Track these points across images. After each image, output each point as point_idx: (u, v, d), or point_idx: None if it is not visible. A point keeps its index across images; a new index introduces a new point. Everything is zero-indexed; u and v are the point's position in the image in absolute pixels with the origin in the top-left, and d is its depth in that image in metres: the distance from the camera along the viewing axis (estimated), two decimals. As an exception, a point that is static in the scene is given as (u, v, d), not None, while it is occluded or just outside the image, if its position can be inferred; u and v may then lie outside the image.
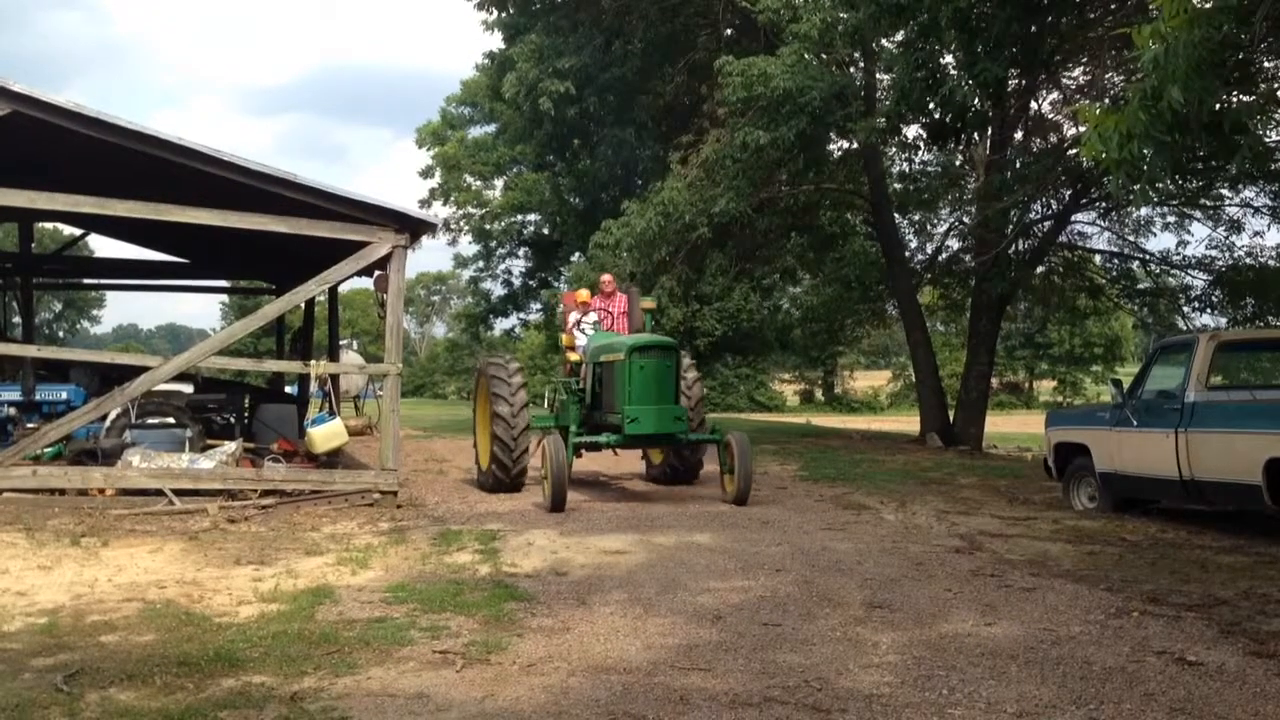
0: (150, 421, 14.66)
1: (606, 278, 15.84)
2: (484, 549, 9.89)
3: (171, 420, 14.78)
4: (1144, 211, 24.04)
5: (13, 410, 14.86)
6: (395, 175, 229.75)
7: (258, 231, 13.70)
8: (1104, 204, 23.37)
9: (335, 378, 18.06)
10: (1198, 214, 23.80)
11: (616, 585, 8.29)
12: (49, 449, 13.62)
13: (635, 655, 6.34)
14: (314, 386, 18.74)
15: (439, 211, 46.62)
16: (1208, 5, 7.54)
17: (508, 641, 6.59)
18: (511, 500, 13.44)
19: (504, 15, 27.39)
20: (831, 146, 24.45)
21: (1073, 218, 23.94)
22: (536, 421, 14.37)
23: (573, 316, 15.14)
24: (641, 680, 5.83)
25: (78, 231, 24.91)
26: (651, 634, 6.83)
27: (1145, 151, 7.78)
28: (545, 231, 43.96)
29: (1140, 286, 26.60)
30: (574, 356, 14.92)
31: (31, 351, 15.57)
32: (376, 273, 14.48)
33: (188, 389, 17.69)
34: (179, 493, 12.67)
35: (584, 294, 15.39)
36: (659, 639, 6.71)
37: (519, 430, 13.59)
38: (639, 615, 7.32)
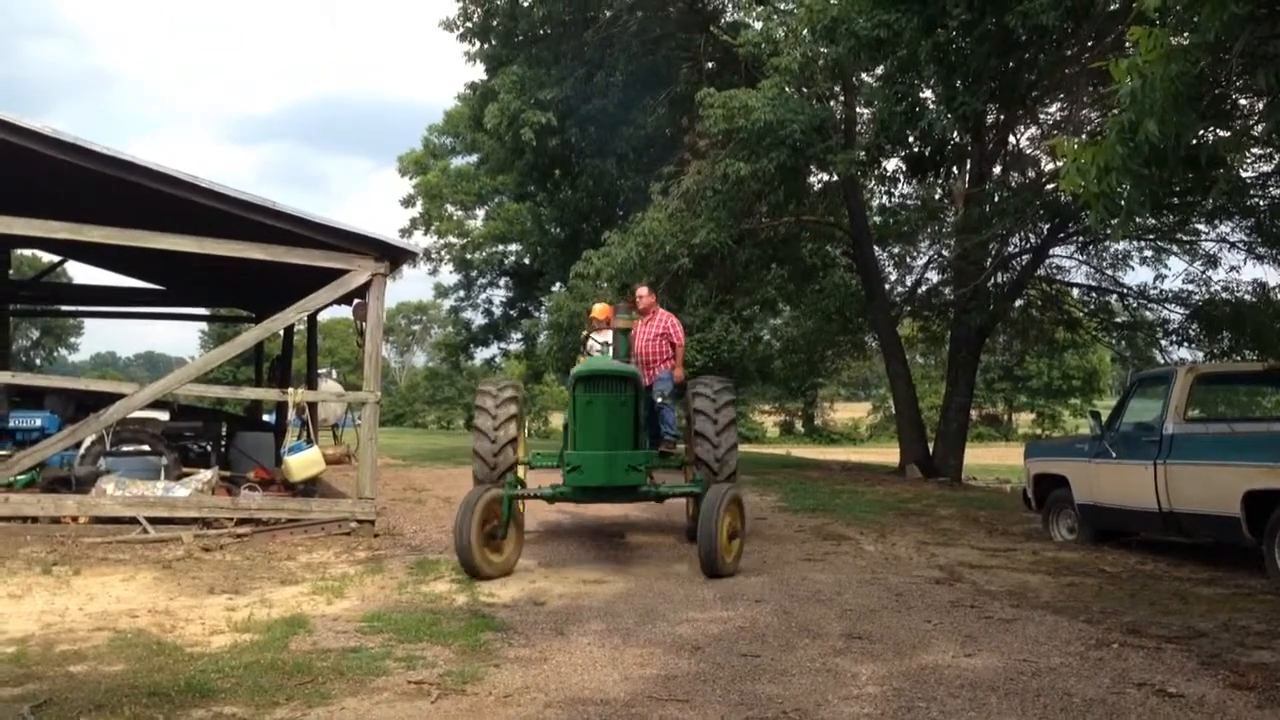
0: (125, 449, 14.52)
1: (642, 290, 13.20)
2: (461, 578, 9.80)
3: (147, 448, 14.65)
4: (1121, 245, 24.22)
5: (-14, 437, 14.70)
6: (376, 204, 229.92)
7: (237, 259, 13.63)
8: (1082, 238, 23.53)
9: (313, 406, 17.95)
10: (1174, 248, 23.97)
11: (595, 615, 8.22)
12: (22, 476, 13.45)
13: (613, 686, 6.28)
14: (292, 414, 18.61)
15: (420, 241, 46.57)
16: (1184, 41, 7.63)
17: (484, 672, 6.51)
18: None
19: (486, 47, 27.45)
20: (812, 179, 24.53)
21: (1051, 251, 24.07)
22: (538, 460, 12.54)
23: (593, 339, 12.90)
24: (619, 711, 5.77)
25: (55, 258, 24.75)
26: (629, 664, 6.76)
27: (1123, 185, 7.86)
28: (526, 261, 43.90)
29: (1118, 320, 26.74)
30: None
31: (5, 378, 15.40)
32: (356, 301, 14.42)
33: (164, 416, 17.56)
34: (153, 521, 12.54)
35: (600, 309, 13.00)
36: (637, 669, 6.64)
37: (500, 445, 11.39)
38: (617, 645, 7.26)
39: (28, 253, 35.25)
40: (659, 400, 11.97)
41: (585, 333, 13.24)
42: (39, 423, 15.02)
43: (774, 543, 12.41)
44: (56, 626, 7.78)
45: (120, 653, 6.94)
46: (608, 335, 12.47)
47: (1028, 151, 23.63)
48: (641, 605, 8.57)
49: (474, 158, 44.37)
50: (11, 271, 24.32)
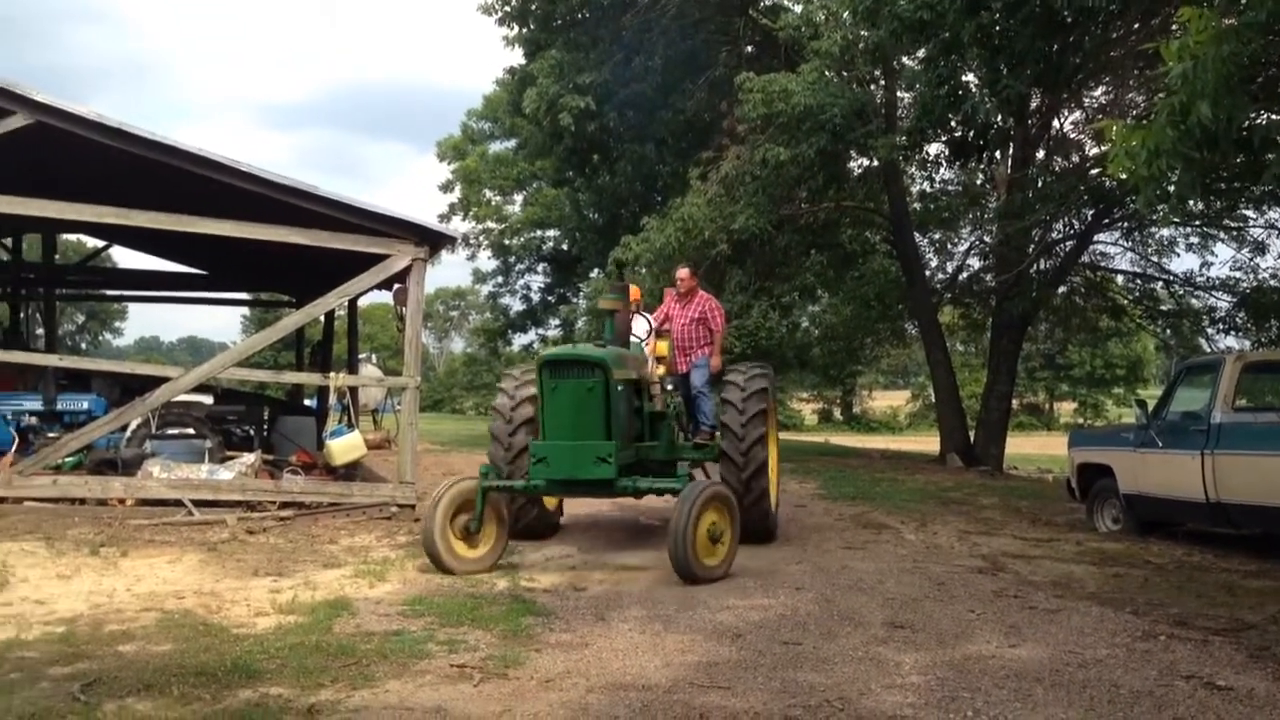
0: (170, 432, 14.68)
1: (683, 272, 12.40)
2: (503, 563, 9.83)
3: (191, 431, 14.80)
4: (1167, 232, 23.97)
5: (34, 420, 14.91)
6: (415, 190, 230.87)
7: (277, 244, 13.72)
8: (1127, 224, 23.27)
9: (354, 391, 18.06)
10: (1222, 235, 23.67)
11: (635, 601, 8.22)
12: (70, 459, 13.65)
13: (654, 672, 6.27)
14: (333, 399, 18.74)
15: (458, 226, 46.76)
16: (1235, 22, 7.48)
17: (525, 656, 6.53)
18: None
19: (525, 31, 27.44)
20: (852, 164, 24.43)
21: (1095, 238, 23.83)
22: None
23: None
24: (661, 698, 5.76)
25: (100, 243, 25.05)
26: (671, 651, 6.76)
27: (1173, 169, 7.72)
28: (564, 247, 43.97)
29: (1163, 307, 26.45)
30: None
31: (53, 361, 15.61)
32: (396, 286, 14.49)
33: (208, 400, 17.74)
34: (198, 503, 12.67)
35: (636, 290, 12.35)
36: (678, 656, 6.64)
37: (515, 426, 10.85)
38: (658, 632, 7.25)
39: (73, 238, 35.69)
40: (695, 389, 11.70)
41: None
42: (86, 405, 15.20)
43: (814, 530, 12.37)
44: (105, 607, 7.88)
45: (167, 633, 7.01)
46: (639, 324, 11.92)
47: (1072, 135, 23.41)
48: (682, 592, 8.56)
49: (512, 143, 44.50)
50: (57, 256, 24.60)
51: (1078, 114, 22.92)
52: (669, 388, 11.32)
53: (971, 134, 18.88)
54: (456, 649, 6.68)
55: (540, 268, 48.42)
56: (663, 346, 12.01)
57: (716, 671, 6.28)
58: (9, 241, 22.84)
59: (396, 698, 5.68)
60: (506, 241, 48.67)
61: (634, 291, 12.13)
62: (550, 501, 11.46)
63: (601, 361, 9.72)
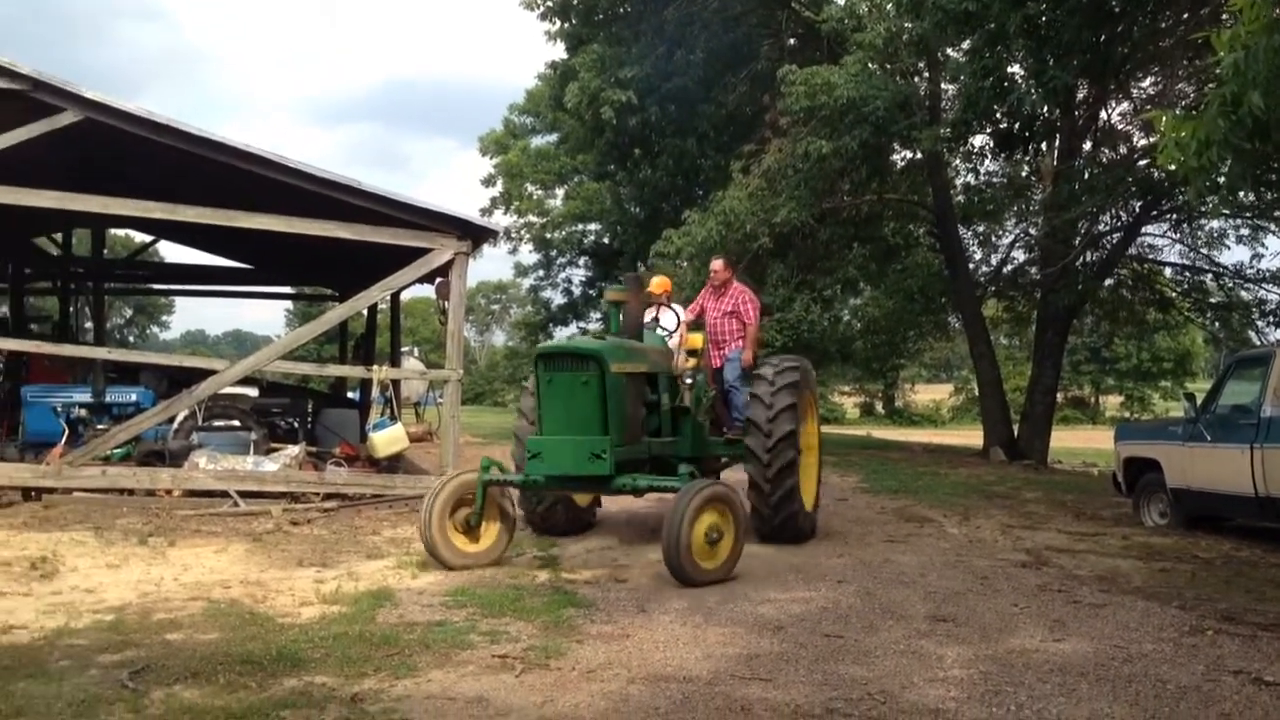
0: (216, 424, 14.86)
1: (717, 263, 12.12)
2: (543, 555, 9.88)
3: (237, 423, 14.97)
4: (1217, 224, 23.59)
5: (83, 411, 15.12)
6: (457, 184, 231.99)
7: (321, 238, 13.85)
8: (1176, 216, 22.94)
9: (397, 383, 18.19)
10: (1273, 226, 23.24)
11: (676, 593, 8.22)
12: (118, 450, 13.85)
13: (696, 664, 6.27)
14: (376, 392, 18.89)
15: (500, 220, 46.93)
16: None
17: (567, 647, 6.55)
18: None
19: (567, 26, 27.49)
20: (895, 157, 24.26)
21: (1143, 229, 23.51)
22: None
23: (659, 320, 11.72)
24: (702, 689, 5.76)
25: (148, 238, 25.41)
26: (712, 643, 6.76)
27: (1223, 159, 7.61)
28: (606, 240, 44.03)
29: (1212, 300, 26.03)
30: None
31: (102, 354, 15.83)
32: (438, 279, 14.57)
33: (253, 393, 17.90)
34: (243, 494, 12.83)
35: (659, 282, 12.03)
36: (719, 648, 6.63)
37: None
38: (699, 624, 7.25)
39: (121, 232, 36.14)
40: (727, 383, 11.46)
41: (652, 314, 11.66)
42: (134, 398, 15.38)
43: (856, 524, 12.32)
44: (153, 596, 8.00)
45: (214, 622, 7.11)
46: (668, 316, 11.60)
47: (1120, 127, 23.12)
48: (722, 585, 8.55)
49: (554, 137, 44.57)
50: (105, 251, 24.97)
51: (1125, 105, 22.67)
52: (689, 381, 10.88)
53: (1017, 126, 18.71)
54: (498, 639, 6.72)
55: (581, 261, 48.53)
56: (697, 339, 11.68)
57: (758, 664, 6.28)
58: (59, 236, 23.22)
59: (439, 687, 5.72)
60: (548, 235, 48.80)
61: (664, 283, 11.95)
62: (583, 499, 11.22)
63: (596, 354, 9.30)
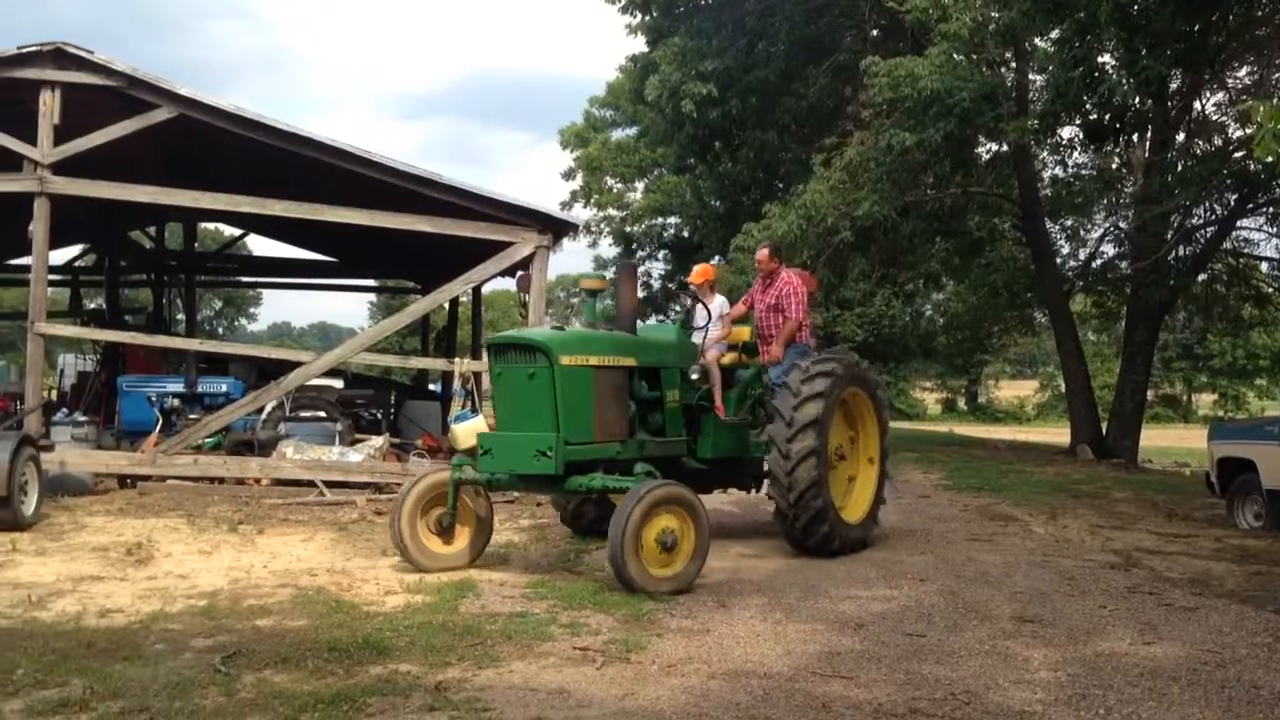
0: (303, 415, 15.17)
1: (762, 253, 10.85)
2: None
3: (323, 414, 15.26)
4: (1317, 217, 22.81)
5: (176, 401, 15.53)
6: (536, 178, 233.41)
7: (404, 231, 14.05)
8: (1273, 208, 22.25)
9: (478, 376, 18.35)
10: (1376, 219, 22.48)
11: (756, 589, 8.20)
12: (209, 439, 14.20)
13: (776, 660, 6.24)
14: (457, 384, 19.10)
15: (580, 213, 47.11)
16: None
17: (647, 641, 6.56)
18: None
19: (648, 19, 27.48)
20: (980, 149, 23.87)
21: (1238, 223, 22.89)
22: None
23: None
24: (782, 686, 5.73)
25: (237, 232, 25.97)
26: (792, 639, 6.72)
27: (1326, 150, 7.37)
28: (685, 234, 43.97)
29: (1312, 295, 25.26)
30: None
31: (194, 345, 16.27)
32: (519, 273, 14.67)
33: (338, 384, 18.25)
34: (329, 484, 13.06)
35: (699, 271, 10.96)
36: (800, 645, 6.60)
37: None
38: (779, 620, 7.22)
39: (211, 226, 37.04)
40: (771, 383, 10.10)
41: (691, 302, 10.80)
42: (225, 388, 15.77)
43: (938, 521, 12.16)
44: (243, 582, 8.19)
45: (302, 609, 7.26)
46: (716, 303, 10.53)
47: (1214, 117, 22.52)
48: (803, 581, 8.50)
49: (634, 130, 44.59)
50: (196, 244, 25.59)
51: (1220, 95, 22.04)
52: (694, 377, 9.86)
53: (1108, 117, 18.30)
54: (579, 632, 6.76)
55: (661, 255, 48.51)
56: (744, 332, 10.78)
57: (839, 661, 6.23)
58: (153, 230, 23.84)
59: (521, 678, 5.77)
60: (627, 229, 48.87)
61: (704, 272, 10.93)
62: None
63: (543, 345, 8.58)
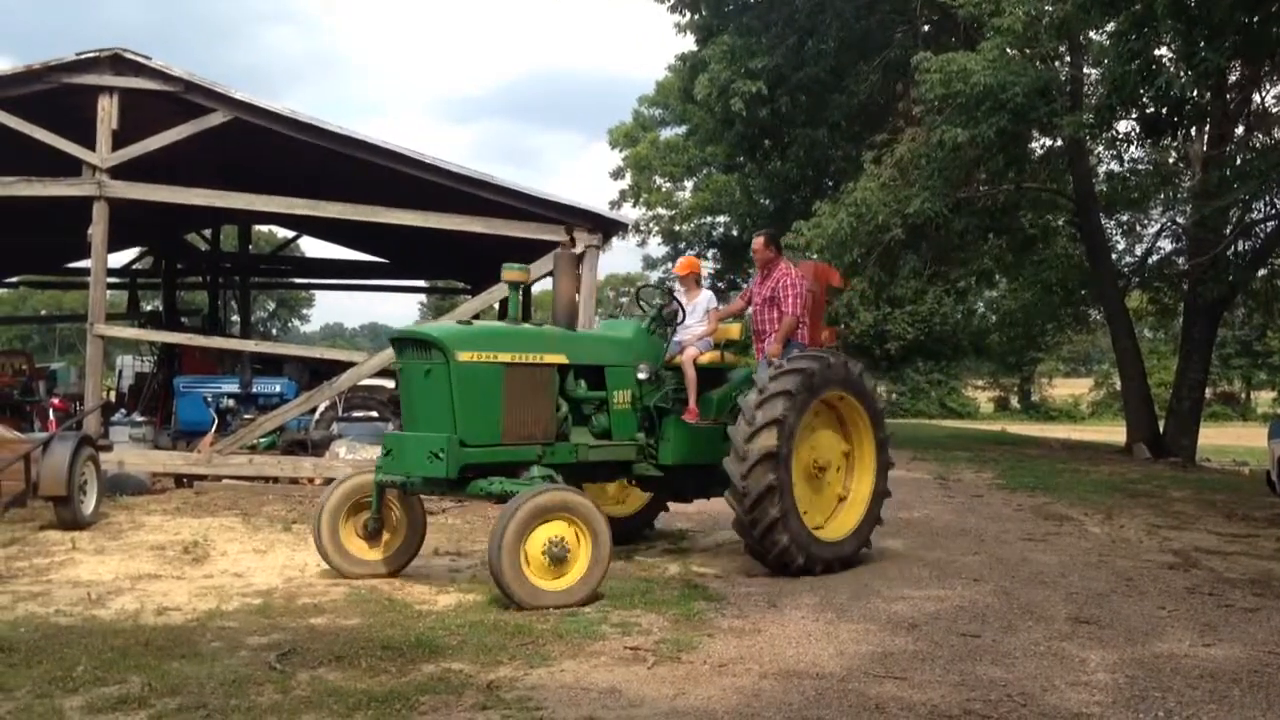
0: (355, 414, 15.31)
1: (757, 242, 9.91)
2: (673, 548, 9.90)
3: (375, 414, 15.40)
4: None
5: (231, 401, 15.74)
6: (586, 177, 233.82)
7: (453, 232, 14.14)
8: (1335, 203, 21.80)
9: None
10: None
11: (807, 589, 8.15)
12: (264, 439, 14.37)
13: (828, 660, 6.20)
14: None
15: (629, 213, 47.17)
16: None
17: (698, 641, 6.54)
18: (700, 502, 13.30)
19: (697, 17, 27.49)
20: (1034, 144, 23.62)
21: (1300, 217, 22.42)
22: None
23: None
24: (835, 686, 5.69)
25: (291, 233, 26.28)
26: (844, 639, 6.67)
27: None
28: (735, 233, 43.88)
29: (1375, 292, 24.72)
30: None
31: (249, 346, 16.48)
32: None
33: (389, 384, 18.37)
34: (381, 484, 13.14)
35: (684, 263, 10.49)
36: (852, 645, 6.55)
37: None
38: (831, 620, 7.17)
39: (264, 228, 37.52)
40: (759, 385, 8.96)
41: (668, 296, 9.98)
42: (279, 389, 15.96)
43: (992, 521, 12.03)
44: (297, 581, 8.28)
45: (355, 607, 7.32)
46: (701, 298, 9.98)
47: (1274, 110, 22.10)
48: (854, 581, 8.45)
49: (683, 129, 44.56)
50: (251, 246, 25.93)
51: (1280, 87, 21.64)
52: (641, 378, 9.18)
53: (1165, 110, 17.96)
54: (629, 631, 6.75)
55: (710, 254, 48.45)
56: (733, 330, 10.18)
57: (892, 662, 6.18)
58: (208, 232, 24.18)
59: (572, 677, 5.78)
60: (677, 228, 48.88)
61: (688, 264, 10.39)
62: (632, 504, 10.24)
63: (437, 340, 8.09)
